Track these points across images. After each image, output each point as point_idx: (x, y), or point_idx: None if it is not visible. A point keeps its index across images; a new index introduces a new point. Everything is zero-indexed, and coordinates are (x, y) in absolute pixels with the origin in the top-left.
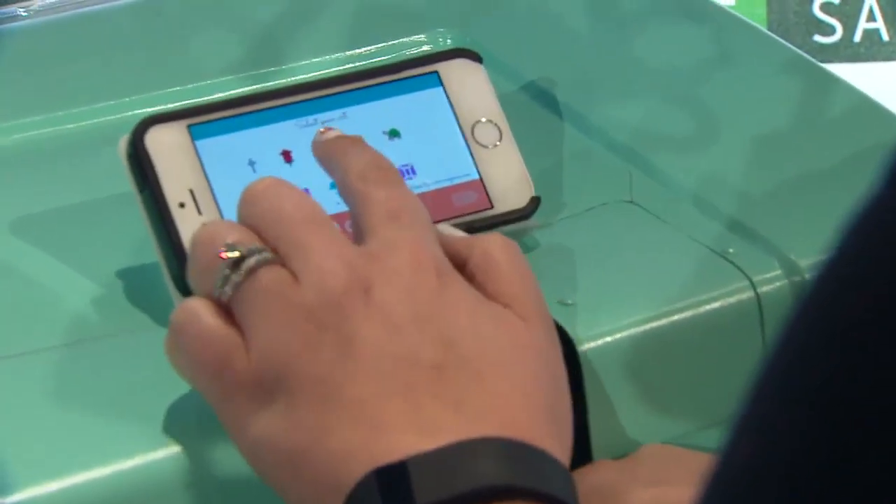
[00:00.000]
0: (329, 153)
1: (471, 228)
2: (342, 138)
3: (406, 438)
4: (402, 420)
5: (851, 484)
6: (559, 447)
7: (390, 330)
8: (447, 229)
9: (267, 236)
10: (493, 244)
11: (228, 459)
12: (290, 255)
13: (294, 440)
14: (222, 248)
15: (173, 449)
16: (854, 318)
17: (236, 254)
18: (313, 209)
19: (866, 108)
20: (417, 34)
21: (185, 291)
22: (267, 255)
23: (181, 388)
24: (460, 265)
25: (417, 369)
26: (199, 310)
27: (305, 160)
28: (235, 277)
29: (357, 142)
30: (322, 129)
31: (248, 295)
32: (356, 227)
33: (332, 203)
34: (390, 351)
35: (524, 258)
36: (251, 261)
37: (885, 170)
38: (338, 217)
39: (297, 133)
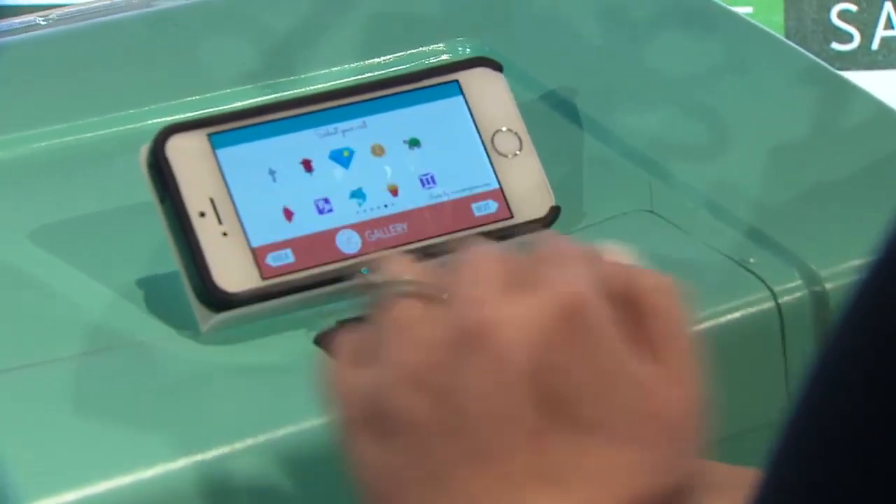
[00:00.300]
0: None
1: (490, 238)
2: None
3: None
4: (491, 490)
5: None
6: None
7: (501, 377)
8: (615, 249)
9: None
10: (660, 289)
11: (247, 468)
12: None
13: (379, 489)
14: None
15: (193, 458)
16: None
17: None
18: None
19: (884, 115)
20: (436, 43)
21: (205, 300)
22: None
23: (201, 397)
24: (619, 295)
25: (518, 430)
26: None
27: (325, 169)
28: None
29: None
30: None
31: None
32: None
33: (353, 213)
34: (494, 400)
35: (685, 307)
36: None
37: None
38: (361, 225)
39: (318, 142)
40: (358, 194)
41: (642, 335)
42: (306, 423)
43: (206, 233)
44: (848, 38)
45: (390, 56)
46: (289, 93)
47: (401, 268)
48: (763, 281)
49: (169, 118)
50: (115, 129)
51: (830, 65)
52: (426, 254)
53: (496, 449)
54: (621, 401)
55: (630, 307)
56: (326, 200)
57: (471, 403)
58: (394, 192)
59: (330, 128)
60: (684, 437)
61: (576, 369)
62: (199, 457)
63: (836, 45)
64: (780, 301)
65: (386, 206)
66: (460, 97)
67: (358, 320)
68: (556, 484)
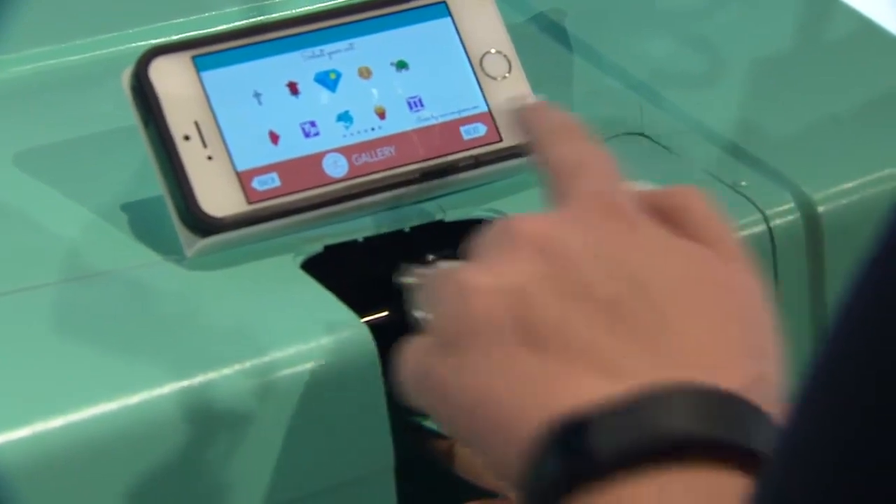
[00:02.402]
0: (520, 128)
1: (479, 161)
2: (525, 109)
3: (586, 382)
4: (580, 360)
5: None
6: (762, 384)
7: (561, 265)
8: (638, 185)
9: None
10: (689, 192)
11: (233, 393)
12: None
13: (475, 393)
14: None
15: (178, 384)
16: None
17: None
18: None
19: (877, 37)
20: None
21: (190, 225)
22: None
23: (186, 322)
24: (654, 216)
25: (593, 305)
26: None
27: (311, 92)
28: None
29: (536, 110)
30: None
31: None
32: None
33: (339, 136)
34: (563, 291)
35: (717, 208)
36: None
37: None
38: (348, 149)
39: (304, 64)
40: (344, 117)
41: (689, 234)
42: (292, 348)
43: (191, 156)
44: None
45: None
46: (275, 15)
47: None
48: (754, 204)
49: (153, 41)
50: (99, 52)
51: None
52: (414, 177)
53: (573, 321)
54: (684, 270)
55: (665, 216)
56: (313, 123)
57: (533, 284)
58: (381, 114)
59: (316, 50)
60: (757, 302)
61: (632, 254)
62: (185, 382)
63: None
64: (771, 224)
65: (373, 129)
66: (448, 19)
67: (345, 246)
68: (646, 342)
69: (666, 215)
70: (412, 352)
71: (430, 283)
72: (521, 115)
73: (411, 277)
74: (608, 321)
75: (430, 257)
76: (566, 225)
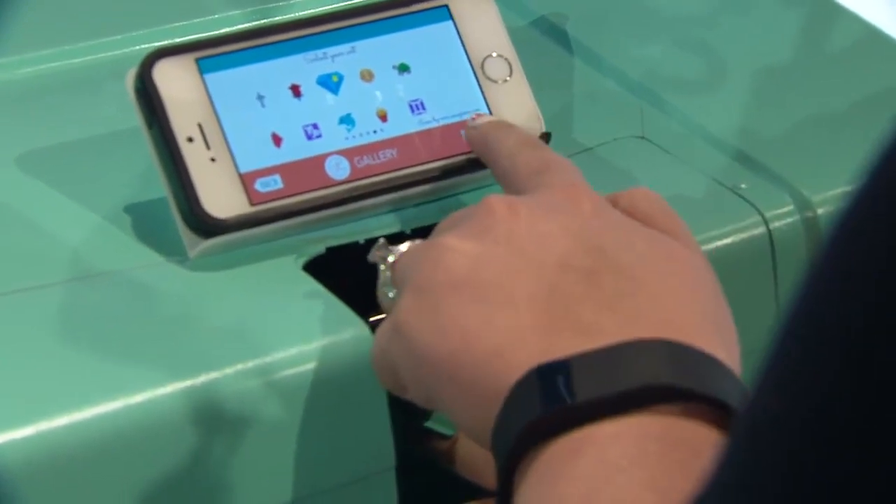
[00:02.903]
0: (480, 141)
1: (479, 164)
2: (489, 125)
3: (564, 339)
4: (558, 320)
5: (883, 436)
6: (725, 354)
7: (539, 238)
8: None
9: None
10: (641, 190)
11: (236, 394)
12: None
13: (449, 344)
14: None
15: (181, 384)
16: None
17: None
18: None
19: (876, 41)
20: None
21: (193, 226)
22: None
23: (189, 322)
24: None
25: (569, 273)
26: None
27: (313, 94)
28: None
29: (501, 126)
30: (473, 116)
31: None
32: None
33: (341, 138)
34: (538, 256)
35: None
36: None
37: None
38: (350, 151)
39: (306, 67)
40: (347, 120)
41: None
42: (294, 348)
43: (194, 158)
44: None
45: None
46: (277, 18)
47: None
48: (754, 206)
49: (157, 43)
50: (102, 55)
51: None
52: (415, 179)
53: (551, 287)
54: (648, 248)
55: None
56: (315, 126)
57: (514, 251)
58: (383, 117)
59: (318, 52)
60: (714, 282)
61: (601, 232)
62: (187, 382)
63: None
64: (771, 226)
65: (375, 131)
66: (450, 22)
67: (347, 248)
68: (622, 305)
69: (625, 212)
70: (384, 324)
71: (408, 252)
72: (482, 130)
73: (385, 253)
74: (585, 288)
75: (408, 233)
76: (539, 205)
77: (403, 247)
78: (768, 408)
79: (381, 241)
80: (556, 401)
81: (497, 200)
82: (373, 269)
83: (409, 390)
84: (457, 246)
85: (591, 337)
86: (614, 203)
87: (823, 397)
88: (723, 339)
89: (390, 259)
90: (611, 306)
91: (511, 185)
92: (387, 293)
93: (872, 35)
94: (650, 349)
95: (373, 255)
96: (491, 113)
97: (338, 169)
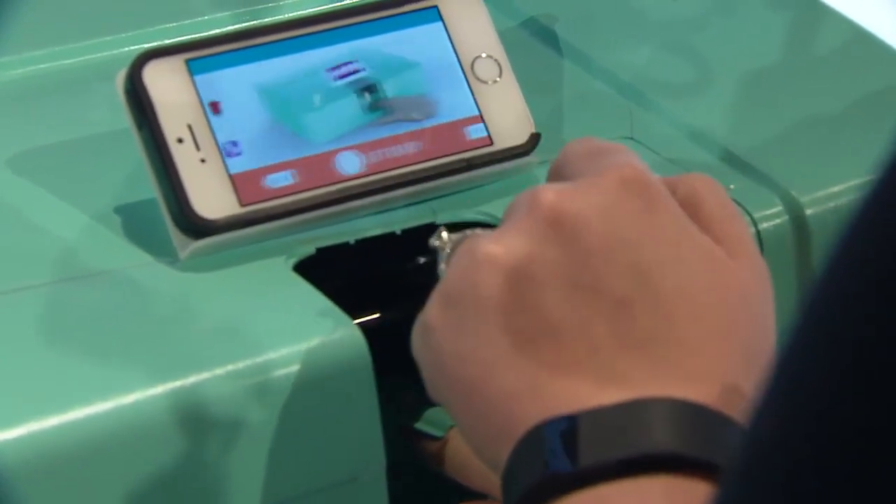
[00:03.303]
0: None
1: (470, 164)
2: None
3: (580, 385)
4: (577, 363)
5: (885, 459)
6: (750, 388)
7: (575, 256)
8: None
9: None
10: (702, 180)
11: (226, 395)
12: None
13: (468, 371)
14: None
15: (171, 385)
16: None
17: None
18: None
19: (864, 42)
20: None
21: (183, 227)
22: None
23: (179, 323)
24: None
25: (600, 305)
26: None
27: (303, 95)
28: None
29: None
30: None
31: None
32: None
33: (331, 140)
34: (570, 279)
35: (731, 199)
36: None
37: None
38: (338, 153)
39: (296, 68)
40: (336, 120)
41: (700, 225)
42: (284, 349)
43: (184, 159)
44: None
45: None
46: (267, 19)
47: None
48: (743, 207)
49: (147, 45)
50: (92, 56)
51: None
52: (405, 180)
53: (578, 319)
54: (695, 267)
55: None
56: (304, 127)
57: (545, 274)
58: (372, 118)
59: (309, 53)
60: (761, 305)
61: (646, 241)
62: (177, 383)
63: None
64: (759, 227)
65: (364, 132)
66: (440, 23)
67: (337, 248)
68: (647, 350)
69: (680, 203)
70: (428, 307)
71: (457, 247)
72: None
73: (443, 241)
74: (612, 322)
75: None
76: (586, 197)
77: (458, 235)
78: (767, 429)
79: (443, 233)
80: (556, 465)
81: (544, 193)
82: (362, 270)
83: (428, 386)
84: (491, 253)
85: (610, 384)
86: (672, 189)
87: (824, 418)
88: (755, 374)
89: (447, 250)
90: (639, 347)
91: (560, 172)
92: (440, 274)
93: (860, 36)
94: (663, 410)
95: (431, 243)
96: (481, 113)
97: (328, 169)
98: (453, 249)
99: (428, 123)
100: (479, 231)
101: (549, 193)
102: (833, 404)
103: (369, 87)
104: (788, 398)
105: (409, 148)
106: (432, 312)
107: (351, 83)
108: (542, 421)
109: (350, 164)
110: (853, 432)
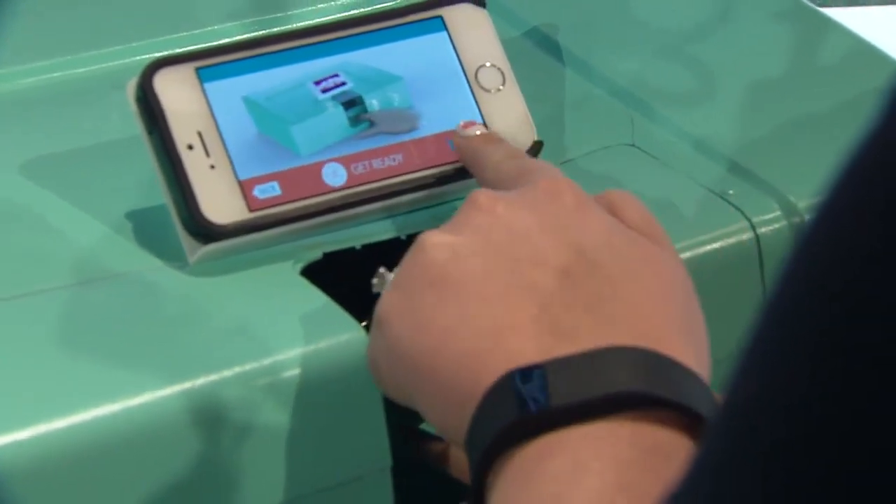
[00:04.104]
0: (468, 153)
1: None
2: (479, 138)
3: (540, 341)
4: (533, 322)
5: (862, 424)
6: (695, 361)
7: (515, 235)
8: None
9: None
10: (619, 193)
11: (234, 397)
12: None
13: (425, 341)
14: None
15: (181, 386)
16: (860, 248)
17: None
18: None
19: (862, 51)
20: None
21: (193, 232)
22: None
23: (189, 326)
24: None
25: (545, 272)
26: None
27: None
28: None
29: (491, 139)
30: (462, 124)
31: None
32: None
33: (338, 146)
34: (515, 251)
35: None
36: None
37: (883, 107)
38: (347, 159)
39: (303, 76)
40: (343, 128)
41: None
42: (291, 351)
43: (194, 165)
44: None
45: None
46: (275, 29)
47: None
48: (742, 212)
49: (158, 53)
50: (103, 65)
51: (811, 1)
52: (411, 186)
53: (527, 286)
54: (627, 249)
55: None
56: (312, 134)
57: (490, 249)
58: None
59: (316, 62)
60: (688, 285)
61: (579, 227)
62: (186, 385)
63: None
64: (758, 231)
65: (371, 140)
66: (444, 33)
67: (343, 253)
68: (595, 311)
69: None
70: (378, 306)
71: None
72: (472, 143)
73: (381, 279)
74: (558, 286)
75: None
76: (520, 199)
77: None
78: (744, 399)
79: (381, 270)
80: (529, 406)
81: (479, 193)
82: (368, 274)
83: (389, 388)
84: (436, 240)
85: (567, 340)
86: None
87: (800, 386)
88: (694, 346)
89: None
90: (587, 309)
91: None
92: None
93: (858, 45)
94: (625, 356)
95: (376, 287)
96: (484, 121)
97: (335, 176)
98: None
99: (433, 131)
100: None
101: (484, 193)
102: (811, 371)
103: (377, 96)
104: (766, 366)
105: (416, 155)
106: (383, 305)
107: (358, 92)
108: (509, 371)
109: (357, 171)
110: (832, 399)
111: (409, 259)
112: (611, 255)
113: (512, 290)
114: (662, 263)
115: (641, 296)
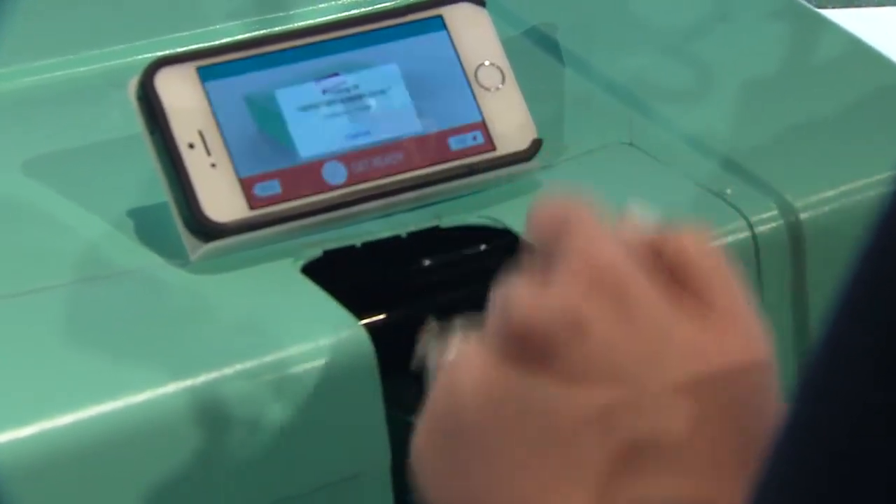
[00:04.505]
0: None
1: (473, 169)
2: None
3: (577, 497)
4: (568, 475)
5: None
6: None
7: (551, 375)
8: (635, 207)
9: None
10: (691, 239)
11: (236, 393)
12: None
13: (455, 492)
14: None
15: (182, 383)
16: None
17: None
18: None
19: (859, 51)
20: None
21: (194, 230)
22: None
23: (190, 324)
24: (651, 259)
25: (588, 408)
26: None
27: (311, 102)
28: None
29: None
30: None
31: None
32: None
33: (338, 145)
34: (548, 401)
35: (722, 254)
36: None
37: None
38: (347, 157)
39: (304, 75)
40: (343, 126)
41: (686, 293)
42: (292, 348)
43: (195, 164)
44: None
45: None
46: (276, 28)
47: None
48: (739, 211)
49: (159, 53)
50: (105, 64)
51: (807, 2)
52: (411, 184)
53: (565, 445)
54: (674, 363)
55: (666, 268)
56: (312, 132)
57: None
58: (379, 124)
59: (316, 61)
60: (748, 389)
61: (620, 341)
62: (187, 382)
63: None
64: (755, 231)
65: (371, 138)
66: (444, 32)
67: (344, 251)
68: (635, 461)
69: (667, 265)
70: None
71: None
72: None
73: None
74: (599, 432)
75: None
76: (553, 309)
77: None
78: (807, 416)
79: (433, 324)
80: None
81: (514, 309)
82: (368, 272)
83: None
84: (466, 386)
85: (604, 497)
86: (658, 250)
87: (861, 403)
88: (742, 463)
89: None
90: (626, 458)
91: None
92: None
93: (855, 45)
94: None
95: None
96: (484, 120)
97: (335, 174)
98: (441, 341)
99: (433, 130)
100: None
101: (518, 308)
102: (871, 388)
103: (377, 94)
104: (828, 383)
105: (416, 153)
106: (420, 433)
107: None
108: None
109: (357, 169)
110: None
111: (441, 387)
112: (663, 383)
113: (544, 440)
114: (719, 378)
115: (692, 436)
